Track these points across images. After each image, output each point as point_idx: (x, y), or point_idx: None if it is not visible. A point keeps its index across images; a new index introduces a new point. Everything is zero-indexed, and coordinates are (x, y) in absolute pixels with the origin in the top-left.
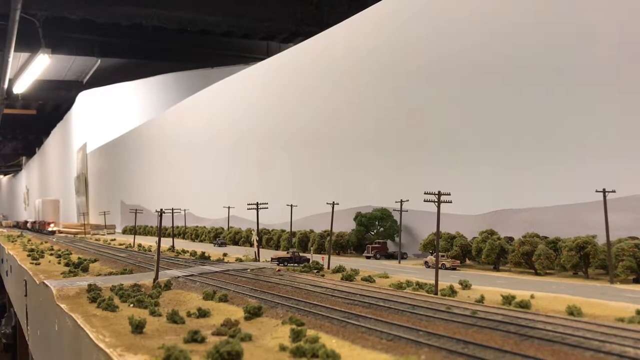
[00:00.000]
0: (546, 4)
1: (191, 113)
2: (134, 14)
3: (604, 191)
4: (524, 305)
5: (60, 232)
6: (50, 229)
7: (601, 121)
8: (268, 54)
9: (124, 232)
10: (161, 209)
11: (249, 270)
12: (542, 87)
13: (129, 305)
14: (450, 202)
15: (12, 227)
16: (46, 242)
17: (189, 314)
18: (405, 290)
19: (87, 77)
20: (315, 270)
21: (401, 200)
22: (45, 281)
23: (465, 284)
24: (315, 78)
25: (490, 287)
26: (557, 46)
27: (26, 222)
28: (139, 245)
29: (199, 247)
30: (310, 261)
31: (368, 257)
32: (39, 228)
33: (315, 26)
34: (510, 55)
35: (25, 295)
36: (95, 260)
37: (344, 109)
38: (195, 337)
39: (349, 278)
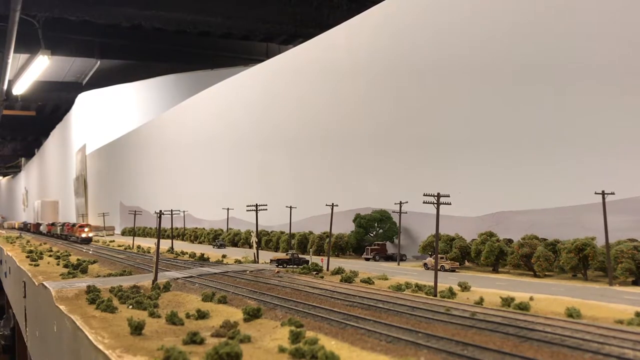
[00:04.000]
0: (545, 4)
1: (190, 114)
2: (133, 15)
3: (603, 193)
4: (523, 307)
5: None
6: (84, 236)
7: (600, 123)
8: (267, 55)
9: (123, 233)
10: (160, 211)
11: (248, 271)
12: (542, 88)
13: (128, 307)
14: (450, 204)
15: (16, 230)
16: (45, 244)
17: (188, 316)
18: (404, 292)
19: (87, 78)
20: (315, 272)
21: (400, 202)
22: (44, 282)
23: (465, 285)
24: (314, 80)
25: (489, 289)
26: (557, 47)
27: (38, 224)
28: (138, 247)
29: (198, 249)
30: (310, 263)
31: (367, 259)
32: (64, 233)
33: (315, 28)
34: (510, 56)
35: (24, 297)
36: (94, 262)
37: (344, 111)
38: (194, 339)
39: (348, 280)
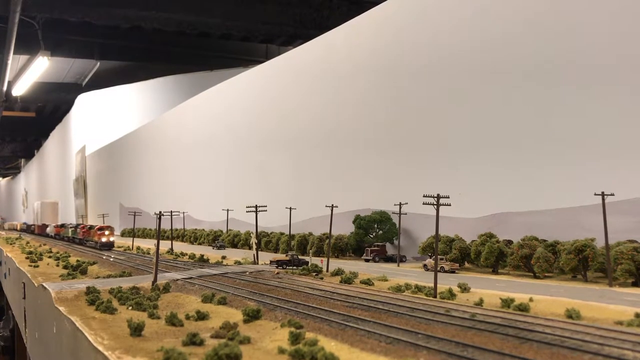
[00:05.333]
0: (545, 4)
1: (190, 116)
2: (133, 16)
3: (602, 194)
4: (523, 308)
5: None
6: (104, 240)
7: (600, 124)
8: (267, 56)
9: (123, 234)
10: (160, 212)
11: (247, 273)
12: (541, 90)
13: (127, 308)
14: (449, 204)
15: (18, 231)
16: (44, 245)
17: (187, 317)
18: (404, 293)
19: (86, 79)
20: (314, 273)
21: (400, 203)
22: (43, 284)
23: (464, 287)
24: (314, 81)
25: (489, 290)
26: (557, 48)
27: (44, 225)
28: (138, 248)
29: (197, 250)
30: (309, 264)
31: (367, 260)
32: (77, 237)
33: (315, 29)
34: (509, 58)
35: (24, 298)
36: (93, 263)
37: (344, 112)
38: (194, 340)
39: (347, 281)
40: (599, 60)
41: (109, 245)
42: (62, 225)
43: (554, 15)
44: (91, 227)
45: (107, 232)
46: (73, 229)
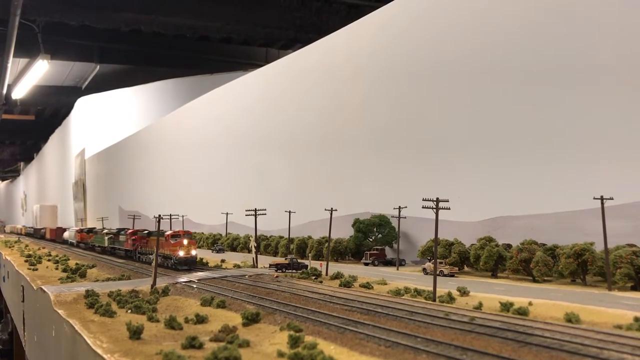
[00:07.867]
0: (545, 6)
1: (190, 119)
2: (133, 19)
3: (601, 198)
4: (522, 312)
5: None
6: (182, 255)
7: (600, 128)
8: (267, 60)
9: None
10: (159, 215)
11: (247, 276)
12: (541, 93)
13: (126, 311)
14: (449, 208)
15: (23, 236)
16: (43, 248)
17: (186, 320)
18: (403, 297)
19: (86, 82)
20: (314, 277)
21: (399, 206)
22: (42, 287)
23: (464, 290)
24: (314, 84)
25: (488, 293)
26: (556, 51)
27: (61, 229)
28: None
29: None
30: (309, 267)
31: (366, 264)
32: (121, 247)
33: (315, 33)
34: (508, 61)
35: (22, 301)
36: (93, 266)
37: (343, 115)
38: (193, 343)
39: (347, 284)
40: (599, 61)
41: (191, 263)
42: (91, 230)
43: (553, 16)
44: (150, 233)
45: (186, 242)
46: (111, 236)
